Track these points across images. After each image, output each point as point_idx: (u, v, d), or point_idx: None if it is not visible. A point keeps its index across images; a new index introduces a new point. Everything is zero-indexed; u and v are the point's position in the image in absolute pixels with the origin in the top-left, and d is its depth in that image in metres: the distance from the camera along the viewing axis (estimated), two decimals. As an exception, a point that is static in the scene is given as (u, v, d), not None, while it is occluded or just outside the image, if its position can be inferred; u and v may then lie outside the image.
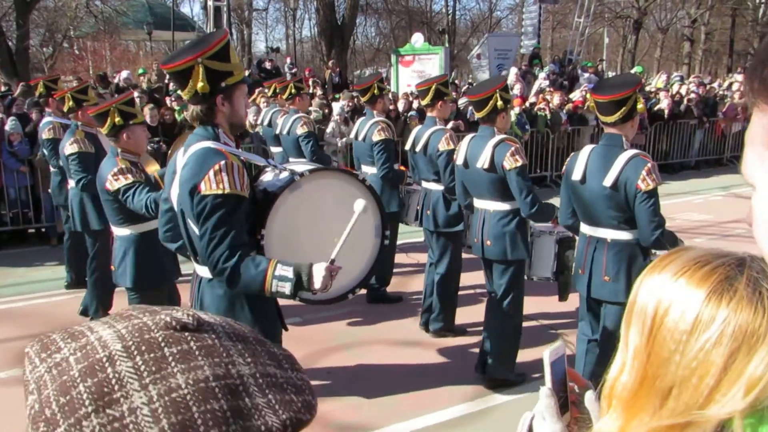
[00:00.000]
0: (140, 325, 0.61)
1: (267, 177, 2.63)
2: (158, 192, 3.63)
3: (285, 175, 2.60)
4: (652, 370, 0.78)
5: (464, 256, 5.06)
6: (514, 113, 11.37)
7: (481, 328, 4.49)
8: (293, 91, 6.24)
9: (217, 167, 2.28)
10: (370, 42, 35.28)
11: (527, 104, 11.97)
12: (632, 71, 17.89)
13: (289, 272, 2.32)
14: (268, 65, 15.29)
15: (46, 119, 6.11)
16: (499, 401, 4.12)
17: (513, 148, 3.90)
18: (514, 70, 14.88)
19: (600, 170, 3.35)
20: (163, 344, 0.59)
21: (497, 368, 4.22)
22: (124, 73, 12.71)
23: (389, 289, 5.92)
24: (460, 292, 5.16)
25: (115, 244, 4.02)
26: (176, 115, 9.15)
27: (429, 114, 4.92)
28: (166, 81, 12.14)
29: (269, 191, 2.52)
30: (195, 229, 2.42)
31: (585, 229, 3.58)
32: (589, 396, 1.05)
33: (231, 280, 2.35)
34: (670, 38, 34.06)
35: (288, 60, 18.11)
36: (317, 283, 2.34)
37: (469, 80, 19.49)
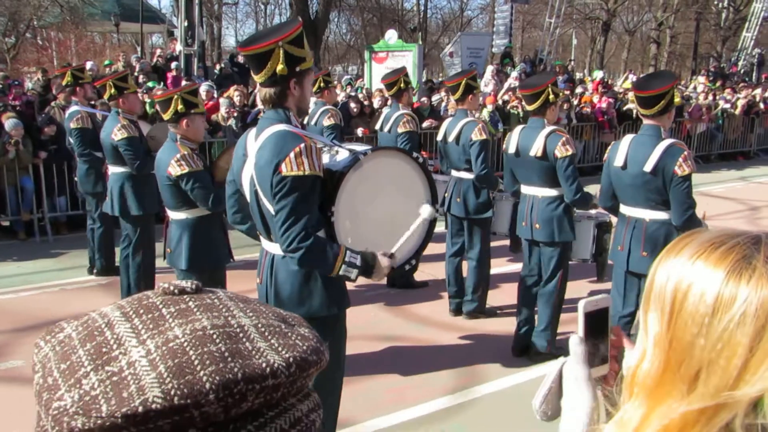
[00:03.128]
0: (140, 296, 0.65)
1: (324, 158, 2.71)
2: (219, 189, 3.83)
3: (344, 154, 2.72)
4: (675, 356, 0.77)
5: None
6: (487, 111, 11.45)
7: (509, 310, 5.11)
8: (322, 84, 6.37)
9: (297, 150, 2.39)
10: (342, 38, 35.16)
11: (500, 102, 12.06)
12: (596, 73, 18.23)
13: (357, 260, 2.54)
14: (240, 59, 15.10)
15: (73, 108, 6.16)
16: (479, 394, 4.14)
17: (564, 138, 4.21)
18: (491, 68, 14.98)
19: (640, 157, 3.67)
20: (161, 306, 0.61)
21: (541, 341, 4.52)
22: (88, 64, 12.40)
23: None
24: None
25: (170, 227, 4.12)
26: (147, 108, 8.97)
27: (460, 107, 5.18)
28: (135, 74, 11.90)
29: (333, 170, 2.63)
30: (271, 208, 2.52)
31: (625, 210, 3.91)
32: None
33: (304, 259, 2.47)
34: (637, 40, 34.72)
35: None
36: (378, 275, 2.62)
37: (441, 78, 19.55)
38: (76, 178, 6.50)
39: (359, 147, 2.80)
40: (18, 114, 7.89)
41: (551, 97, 4.25)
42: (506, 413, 3.89)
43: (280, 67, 2.42)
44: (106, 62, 13.23)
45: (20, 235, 7.79)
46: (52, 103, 8.12)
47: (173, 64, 12.20)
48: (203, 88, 10.40)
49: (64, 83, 6.40)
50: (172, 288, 0.63)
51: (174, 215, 4.08)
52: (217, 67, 15.05)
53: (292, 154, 2.38)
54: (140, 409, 0.51)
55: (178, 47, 12.98)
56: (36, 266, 6.76)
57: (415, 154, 2.97)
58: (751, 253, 0.75)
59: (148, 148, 5.32)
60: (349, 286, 2.89)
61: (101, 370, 0.55)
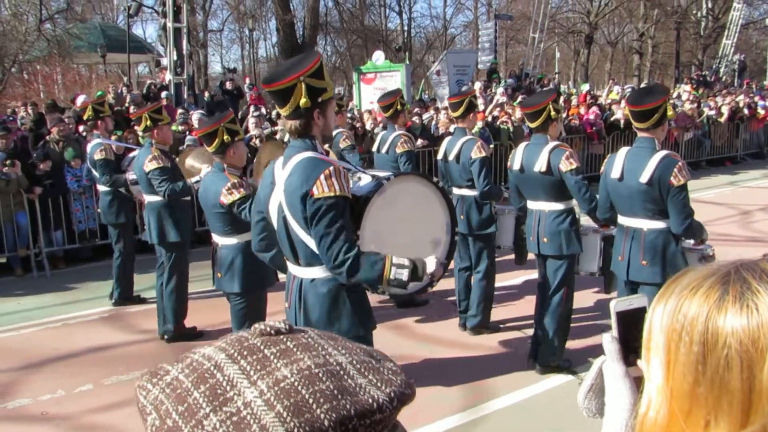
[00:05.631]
0: (238, 337, 0.67)
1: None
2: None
3: (366, 179, 2.82)
4: (678, 405, 0.77)
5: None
6: (477, 127, 11.56)
7: (511, 324, 5.42)
8: (336, 108, 6.41)
9: (327, 172, 2.50)
10: (327, 61, 35.40)
11: (490, 118, 12.18)
12: (583, 86, 18.47)
13: (405, 261, 2.54)
14: (229, 85, 15.17)
15: (95, 141, 6.25)
16: (490, 410, 4.14)
17: (567, 152, 4.29)
18: (478, 85, 15.15)
19: (636, 169, 3.76)
20: (262, 347, 0.63)
21: (548, 355, 4.54)
22: (81, 98, 12.44)
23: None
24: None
25: (219, 252, 4.22)
26: (140, 140, 8.98)
27: (459, 125, 5.24)
28: (126, 105, 11.93)
29: (358, 195, 2.72)
30: (301, 233, 2.62)
31: (623, 220, 3.98)
32: None
33: (352, 269, 2.51)
34: (619, 51, 35.20)
35: (247, 80, 18.01)
36: (431, 268, 2.56)
37: (428, 96, 19.70)
38: (99, 210, 6.63)
39: (381, 173, 2.90)
40: (14, 149, 7.92)
41: (552, 113, 4.32)
42: (518, 428, 3.90)
43: (303, 101, 2.52)
44: (99, 93, 13.26)
45: (17, 271, 7.74)
46: (47, 138, 8.13)
47: (164, 94, 12.27)
48: (195, 116, 10.46)
49: (85, 117, 6.49)
50: (268, 329, 0.66)
51: (224, 241, 4.18)
52: (206, 94, 15.08)
53: (322, 177, 2.49)
54: None
55: (168, 76, 13.05)
56: (36, 302, 6.71)
57: (435, 179, 3.07)
58: (722, 294, 0.75)
59: (182, 175, 5.45)
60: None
61: (220, 411, 0.57)
